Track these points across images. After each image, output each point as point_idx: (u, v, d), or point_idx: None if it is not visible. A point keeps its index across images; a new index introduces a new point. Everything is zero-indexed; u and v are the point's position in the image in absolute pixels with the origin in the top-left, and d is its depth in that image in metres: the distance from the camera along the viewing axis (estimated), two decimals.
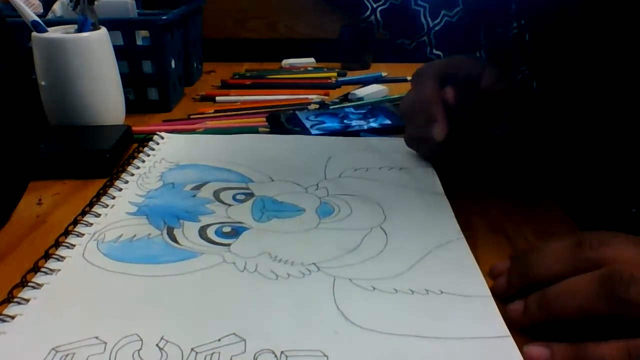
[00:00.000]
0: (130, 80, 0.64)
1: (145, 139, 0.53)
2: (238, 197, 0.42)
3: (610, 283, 0.25)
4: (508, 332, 0.28)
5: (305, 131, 0.56)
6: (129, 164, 0.47)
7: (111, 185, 0.43)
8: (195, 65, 0.81)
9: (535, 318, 0.28)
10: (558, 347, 0.26)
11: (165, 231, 0.37)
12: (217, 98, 0.71)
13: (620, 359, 0.24)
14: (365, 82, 0.77)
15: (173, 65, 0.68)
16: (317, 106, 0.66)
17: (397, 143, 0.51)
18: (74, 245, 0.35)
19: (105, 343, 0.27)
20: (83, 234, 0.37)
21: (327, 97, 0.71)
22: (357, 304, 0.30)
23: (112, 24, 0.59)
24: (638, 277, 0.25)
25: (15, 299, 0.30)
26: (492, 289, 0.32)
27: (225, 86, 0.78)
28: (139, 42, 0.64)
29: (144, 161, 0.48)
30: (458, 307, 0.30)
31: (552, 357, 0.26)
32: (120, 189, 0.43)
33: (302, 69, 0.87)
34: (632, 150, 0.39)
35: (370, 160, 0.49)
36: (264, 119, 0.60)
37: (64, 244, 0.35)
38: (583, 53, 0.42)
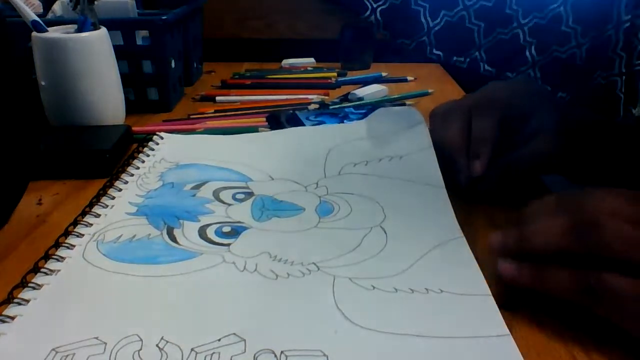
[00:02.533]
0: (130, 80, 0.64)
1: (145, 139, 0.53)
2: (238, 196, 0.42)
3: (576, 225, 0.28)
4: (508, 331, 0.28)
5: None
6: (129, 164, 0.47)
7: (111, 185, 0.43)
8: (195, 65, 0.81)
9: (513, 251, 0.31)
10: (525, 265, 0.30)
11: (165, 231, 0.37)
12: (217, 98, 0.72)
13: (571, 283, 0.28)
14: (365, 82, 0.77)
15: (173, 65, 0.68)
16: (317, 106, 0.66)
17: (396, 123, 0.51)
18: (74, 246, 0.35)
19: (105, 343, 0.27)
20: (83, 235, 0.37)
21: (327, 97, 0.71)
22: (357, 304, 0.30)
23: (112, 24, 0.59)
24: (601, 221, 0.27)
25: (16, 300, 0.30)
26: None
27: (225, 86, 0.78)
28: (139, 42, 0.64)
29: (143, 161, 0.48)
30: (458, 306, 0.30)
31: (518, 272, 0.30)
32: (120, 189, 0.43)
33: (302, 69, 0.87)
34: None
35: (370, 150, 0.49)
36: (264, 119, 0.60)
37: (64, 244, 0.35)
38: None
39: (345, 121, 0.59)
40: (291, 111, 0.61)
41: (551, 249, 0.29)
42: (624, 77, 0.55)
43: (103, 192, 0.42)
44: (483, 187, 0.43)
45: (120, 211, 0.40)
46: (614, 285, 0.26)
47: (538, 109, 0.44)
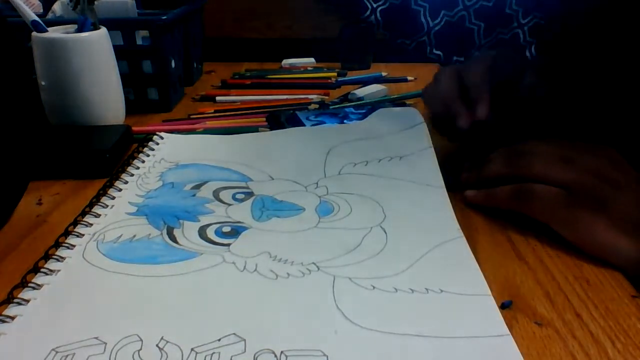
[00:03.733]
0: (130, 80, 0.64)
1: (145, 139, 0.53)
2: (238, 196, 0.42)
3: (511, 155, 0.40)
4: (508, 331, 0.28)
5: None
6: (129, 164, 0.47)
7: (111, 185, 0.43)
8: (195, 65, 0.81)
9: (473, 178, 0.43)
10: (481, 190, 0.42)
11: (165, 231, 0.37)
12: (217, 98, 0.72)
13: (509, 194, 0.39)
14: (365, 82, 0.77)
15: (173, 65, 0.68)
16: (317, 106, 0.66)
17: (396, 123, 0.52)
18: (74, 246, 0.35)
19: (105, 343, 0.27)
20: (83, 235, 0.37)
21: (327, 97, 0.71)
22: (357, 303, 0.30)
23: (112, 24, 0.59)
24: (527, 152, 0.39)
25: (16, 300, 0.30)
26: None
27: (225, 86, 0.78)
28: (139, 42, 0.64)
29: (143, 161, 0.48)
30: (458, 306, 0.30)
31: (477, 194, 0.42)
32: (120, 189, 0.43)
33: (302, 69, 0.87)
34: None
35: (370, 150, 0.49)
36: (264, 119, 0.60)
37: (64, 244, 0.35)
38: (586, 55, 0.43)
39: (345, 121, 0.59)
40: (291, 111, 0.61)
41: (495, 174, 0.41)
42: None
43: (103, 192, 0.42)
44: (482, 130, 0.45)
45: (120, 211, 0.40)
46: (537, 189, 0.37)
47: (524, 71, 0.48)
